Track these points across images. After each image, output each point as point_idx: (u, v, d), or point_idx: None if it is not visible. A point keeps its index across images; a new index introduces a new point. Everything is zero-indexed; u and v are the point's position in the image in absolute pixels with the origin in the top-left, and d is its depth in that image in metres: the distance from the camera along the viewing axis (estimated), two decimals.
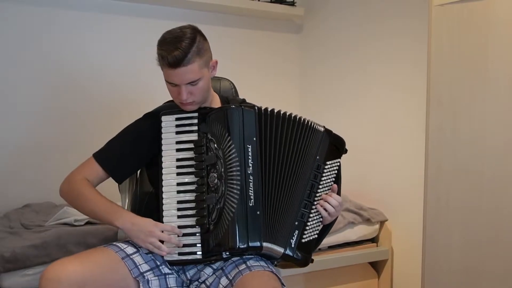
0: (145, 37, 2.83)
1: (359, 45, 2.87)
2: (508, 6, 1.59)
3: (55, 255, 1.82)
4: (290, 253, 1.51)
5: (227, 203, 1.45)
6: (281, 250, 1.49)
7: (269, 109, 1.57)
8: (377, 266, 2.68)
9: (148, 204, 1.67)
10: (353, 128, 2.92)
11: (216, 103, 1.70)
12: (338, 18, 3.03)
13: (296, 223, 1.52)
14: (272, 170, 1.52)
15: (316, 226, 1.57)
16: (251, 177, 1.48)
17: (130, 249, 1.45)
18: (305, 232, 1.54)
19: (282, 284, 1.44)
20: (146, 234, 1.44)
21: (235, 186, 1.46)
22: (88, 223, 2.06)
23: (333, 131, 1.65)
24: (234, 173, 1.46)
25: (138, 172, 1.83)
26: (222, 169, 1.47)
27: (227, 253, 1.46)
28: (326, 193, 1.58)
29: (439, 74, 1.77)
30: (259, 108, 1.56)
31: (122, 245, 1.46)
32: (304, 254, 1.53)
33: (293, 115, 1.59)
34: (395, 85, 2.64)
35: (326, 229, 1.63)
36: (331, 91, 3.10)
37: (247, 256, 1.52)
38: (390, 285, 2.65)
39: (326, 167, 1.59)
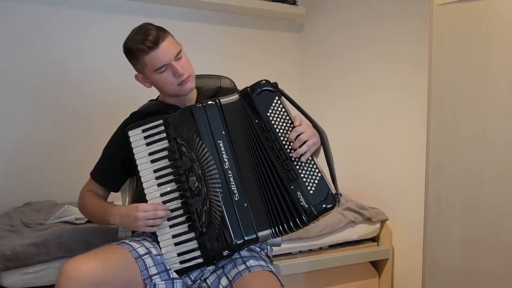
0: None
1: (360, 45, 2.86)
2: (508, 6, 1.59)
3: (55, 253, 1.82)
4: (312, 214, 1.40)
5: (213, 203, 1.44)
6: (299, 221, 1.41)
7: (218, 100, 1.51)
8: (377, 266, 2.68)
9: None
10: (354, 128, 2.92)
11: (194, 92, 1.72)
12: (339, 18, 3.02)
13: (292, 187, 1.42)
14: (244, 157, 1.48)
15: (311, 168, 1.44)
16: (229, 172, 1.45)
17: (142, 250, 1.45)
18: (307, 183, 1.42)
19: (281, 284, 1.44)
20: (134, 221, 1.48)
21: (216, 185, 1.44)
22: (88, 221, 2.06)
23: (249, 86, 1.51)
24: (212, 172, 1.45)
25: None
26: (200, 171, 1.46)
27: (227, 251, 1.45)
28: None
29: (440, 73, 1.77)
30: (220, 100, 1.51)
31: (135, 245, 1.46)
32: (323, 199, 1.41)
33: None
34: (395, 84, 2.64)
35: (327, 154, 1.50)
36: (331, 90, 3.10)
37: (246, 256, 1.51)
38: (390, 284, 2.65)
39: (270, 117, 1.47)
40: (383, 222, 2.66)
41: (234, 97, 1.52)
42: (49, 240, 1.84)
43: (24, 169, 2.57)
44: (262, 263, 1.49)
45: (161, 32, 1.56)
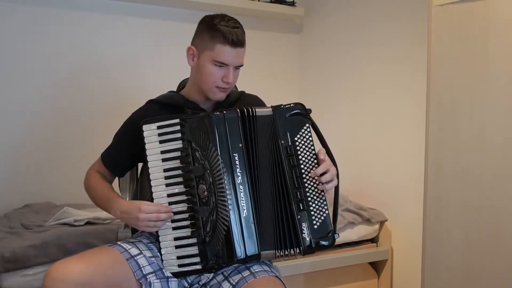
0: (146, 37, 2.84)
1: (359, 45, 2.87)
2: (508, 6, 1.59)
3: (55, 255, 1.82)
4: (309, 247, 1.45)
5: (220, 216, 1.43)
6: (297, 251, 1.46)
7: (253, 110, 1.50)
8: (377, 266, 2.68)
9: None
10: (353, 128, 2.92)
11: None
12: (338, 18, 3.03)
13: (299, 216, 1.45)
14: (262, 173, 1.47)
15: (322, 203, 1.47)
16: (241, 187, 1.44)
17: (134, 250, 1.45)
18: (313, 217, 1.46)
19: None
20: (135, 221, 1.46)
21: (226, 198, 1.43)
22: (88, 223, 2.06)
23: (283, 104, 1.51)
24: (223, 184, 1.43)
25: (139, 172, 1.84)
26: (211, 180, 1.43)
27: (226, 264, 1.45)
28: (313, 166, 1.48)
29: (439, 73, 1.77)
30: (242, 111, 1.49)
31: (127, 246, 1.45)
32: (324, 236, 1.46)
33: None
34: (395, 84, 2.64)
35: (336, 192, 1.54)
36: (331, 91, 3.10)
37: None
38: (390, 285, 2.65)
39: (297, 143, 1.48)
40: (382, 223, 2.66)
41: (267, 110, 1.50)
42: (48, 241, 1.84)
43: (23, 171, 2.57)
44: (266, 267, 1.48)
45: (244, 41, 1.58)
